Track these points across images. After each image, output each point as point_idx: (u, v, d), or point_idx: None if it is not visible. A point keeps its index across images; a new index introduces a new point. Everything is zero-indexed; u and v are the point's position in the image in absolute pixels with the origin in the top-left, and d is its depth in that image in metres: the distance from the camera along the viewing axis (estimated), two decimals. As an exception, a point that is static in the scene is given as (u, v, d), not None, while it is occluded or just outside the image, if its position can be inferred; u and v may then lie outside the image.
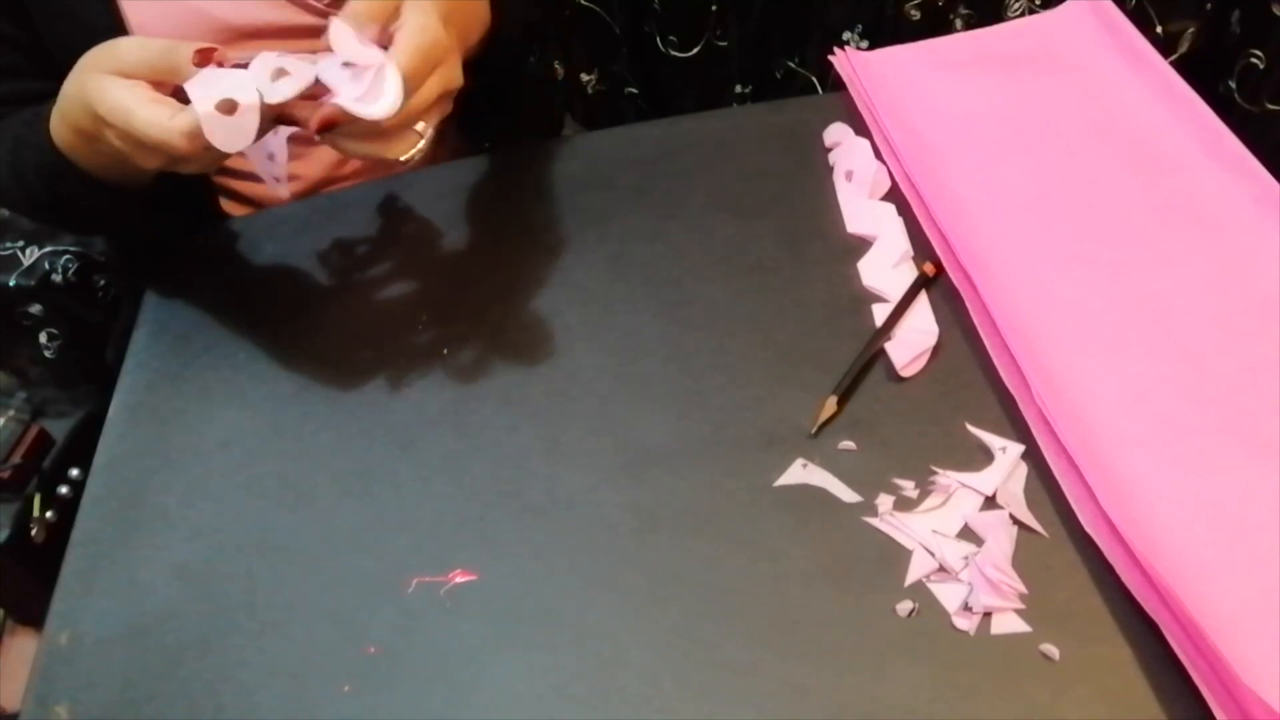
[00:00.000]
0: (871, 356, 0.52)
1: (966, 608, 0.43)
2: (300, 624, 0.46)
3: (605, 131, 0.69)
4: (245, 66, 0.48)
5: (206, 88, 0.47)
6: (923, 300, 0.55)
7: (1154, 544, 0.42)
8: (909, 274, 0.56)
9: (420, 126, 0.51)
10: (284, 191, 0.60)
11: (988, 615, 0.42)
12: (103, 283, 0.85)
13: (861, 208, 0.60)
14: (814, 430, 0.49)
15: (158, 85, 0.49)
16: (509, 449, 0.52)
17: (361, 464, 0.52)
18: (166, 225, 0.70)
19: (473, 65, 0.59)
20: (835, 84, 0.68)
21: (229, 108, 0.47)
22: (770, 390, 0.52)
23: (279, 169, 0.59)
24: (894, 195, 0.60)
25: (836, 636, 0.43)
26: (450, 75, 0.51)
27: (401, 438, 0.53)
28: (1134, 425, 0.47)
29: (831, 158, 0.63)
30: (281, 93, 0.48)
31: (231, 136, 0.47)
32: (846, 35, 0.89)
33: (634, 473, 0.49)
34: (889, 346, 0.52)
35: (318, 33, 0.68)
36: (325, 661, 0.45)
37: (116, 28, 0.61)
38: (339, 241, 0.64)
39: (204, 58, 0.47)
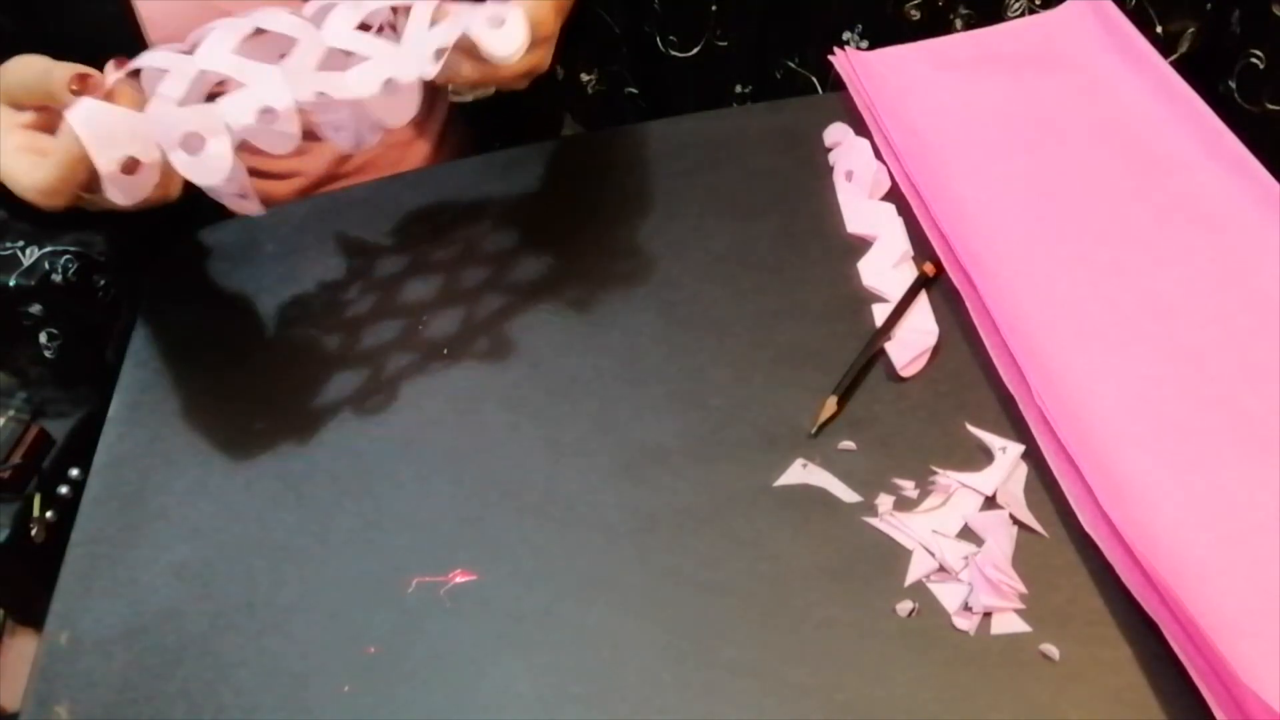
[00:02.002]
0: (871, 356, 0.52)
1: (966, 608, 0.43)
2: (300, 624, 0.46)
3: (605, 131, 0.69)
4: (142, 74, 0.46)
5: (92, 124, 0.44)
6: (923, 300, 0.55)
7: (1154, 544, 0.42)
8: (909, 274, 0.56)
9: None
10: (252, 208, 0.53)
11: (988, 615, 0.42)
12: (103, 283, 0.85)
13: (861, 208, 0.60)
14: (814, 430, 0.49)
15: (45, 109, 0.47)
16: (509, 449, 0.52)
17: (361, 464, 0.52)
18: (165, 220, 0.70)
19: None
20: (835, 84, 0.68)
21: (131, 166, 0.45)
22: (770, 390, 0.52)
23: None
24: (894, 195, 0.60)
25: (836, 636, 0.43)
26: (542, 59, 0.52)
27: (401, 438, 0.53)
28: (1134, 425, 0.47)
29: (831, 158, 0.63)
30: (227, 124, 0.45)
31: (128, 192, 0.46)
32: (846, 35, 0.89)
33: (634, 473, 0.49)
34: (889, 346, 0.52)
35: None
36: (325, 661, 0.45)
37: (126, 22, 0.61)
38: (339, 241, 0.64)
39: (81, 84, 0.45)
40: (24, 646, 0.88)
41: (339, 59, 0.48)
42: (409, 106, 0.50)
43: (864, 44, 0.87)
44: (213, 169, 0.46)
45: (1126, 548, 0.42)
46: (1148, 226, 0.56)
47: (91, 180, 0.46)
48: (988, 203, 0.58)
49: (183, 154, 0.46)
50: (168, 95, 0.45)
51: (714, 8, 0.90)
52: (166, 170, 0.46)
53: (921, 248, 0.57)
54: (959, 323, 0.53)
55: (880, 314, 0.54)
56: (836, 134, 0.64)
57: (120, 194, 0.46)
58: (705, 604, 0.45)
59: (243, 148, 0.71)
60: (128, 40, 0.61)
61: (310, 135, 0.73)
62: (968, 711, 0.40)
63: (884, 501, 0.47)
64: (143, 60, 0.47)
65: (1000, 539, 0.44)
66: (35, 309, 0.81)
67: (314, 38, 0.48)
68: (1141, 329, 0.51)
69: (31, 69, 0.46)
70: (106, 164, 0.44)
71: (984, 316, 0.52)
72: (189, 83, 0.46)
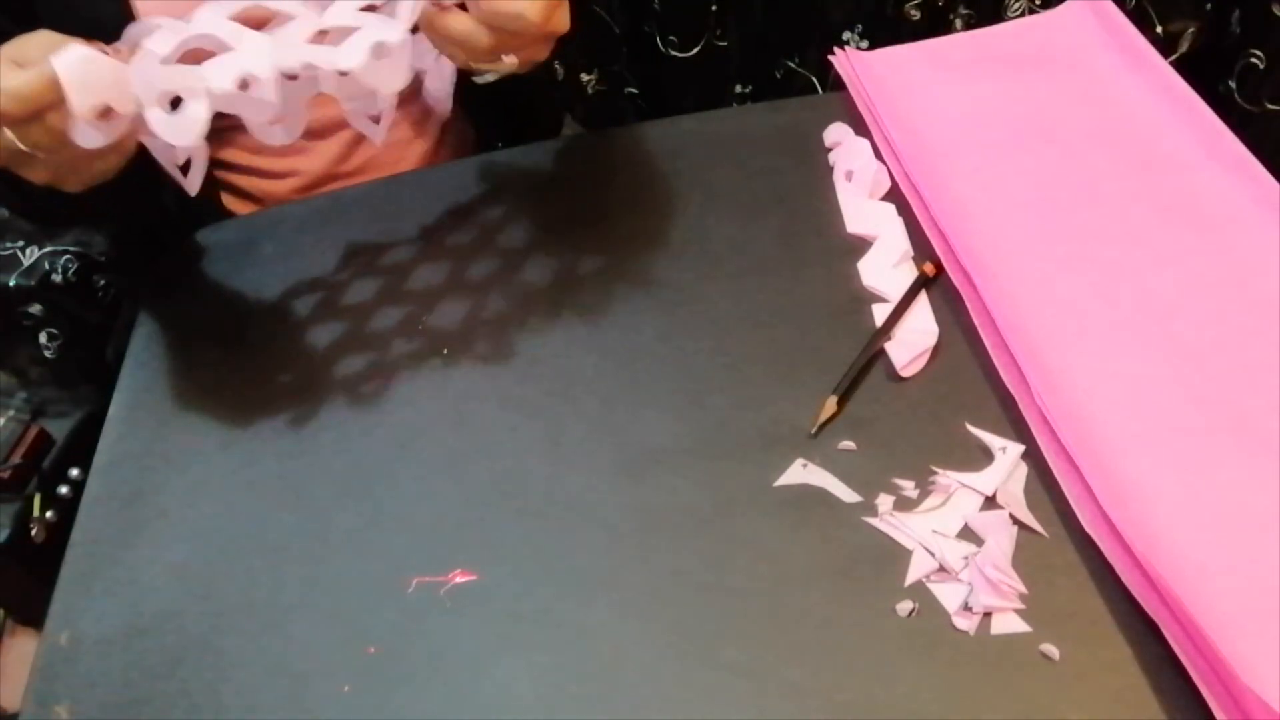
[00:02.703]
0: (871, 356, 0.52)
1: (966, 608, 0.43)
2: (300, 624, 0.46)
3: (605, 131, 0.69)
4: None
5: (76, 68, 0.44)
6: (923, 300, 0.55)
7: (1154, 544, 0.42)
8: (909, 274, 0.56)
9: (508, 59, 0.51)
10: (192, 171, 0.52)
11: (988, 615, 0.42)
12: (103, 283, 0.85)
13: (861, 208, 0.60)
14: (814, 430, 0.49)
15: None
16: (509, 449, 0.52)
17: (361, 464, 0.52)
18: (165, 219, 0.70)
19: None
20: (835, 84, 0.68)
21: (106, 114, 0.45)
22: (770, 390, 0.52)
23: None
24: (894, 195, 0.60)
25: (836, 636, 0.43)
26: (561, 17, 0.50)
27: (401, 438, 0.53)
28: (1134, 425, 0.47)
29: (831, 158, 0.63)
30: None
31: (94, 138, 0.45)
32: (846, 35, 0.89)
33: (634, 473, 0.49)
34: (889, 346, 0.52)
35: None
36: (325, 661, 0.45)
37: (124, 21, 0.61)
38: (339, 241, 0.64)
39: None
40: (24, 646, 0.88)
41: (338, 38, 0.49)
42: (400, 71, 0.49)
43: (864, 44, 0.87)
44: (185, 130, 0.46)
45: (1126, 548, 0.42)
46: (1148, 226, 0.56)
47: (56, 112, 0.45)
48: (988, 203, 0.58)
49: (159, 111, 0.46)
50: (154, 51, 0.45)
51: (714, 8, 0.90)
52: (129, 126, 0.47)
53: (921, 248, 0.57)
54: (959, 323, 0.53)
55: (880, 314, 0.54)
56: (836, 134, 0.64)
57: (85, 139, 0.45)
58: (705, 604, 0.45)
59: (243, 146, 0.71)
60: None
61: (310, 134, 0.73)
62: (968, 711, 0.40)
63: (884, 501, 0.47)
64: (139, 25, 0.47)
65: (1000, 539, 0.44)
66: (35, 309, 0.82)
67: (309, 15, 0.48)
68: (1141, 329, 0.51)
69: (52, 40, 0.47)
70: (81, 108, 0.44)
71: (984, 316, 0.52)
72: (178, 42, 0.46)
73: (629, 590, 0.45)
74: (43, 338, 0.82)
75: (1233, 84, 0.85)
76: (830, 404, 0.50)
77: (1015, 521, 0.45)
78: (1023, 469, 0.47)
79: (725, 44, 0.93)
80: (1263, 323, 0.50)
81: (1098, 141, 0.61)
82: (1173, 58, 0.86)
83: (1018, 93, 0.65)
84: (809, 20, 0.90)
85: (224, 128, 0.71)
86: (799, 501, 0.47)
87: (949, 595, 0.43)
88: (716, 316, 0.56)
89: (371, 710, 0.43)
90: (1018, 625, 0.42)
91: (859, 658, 0.42)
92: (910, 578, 0.44)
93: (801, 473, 0.48)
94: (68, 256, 0.83)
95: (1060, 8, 0.70)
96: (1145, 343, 0.50)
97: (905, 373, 0.51)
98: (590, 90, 1.04)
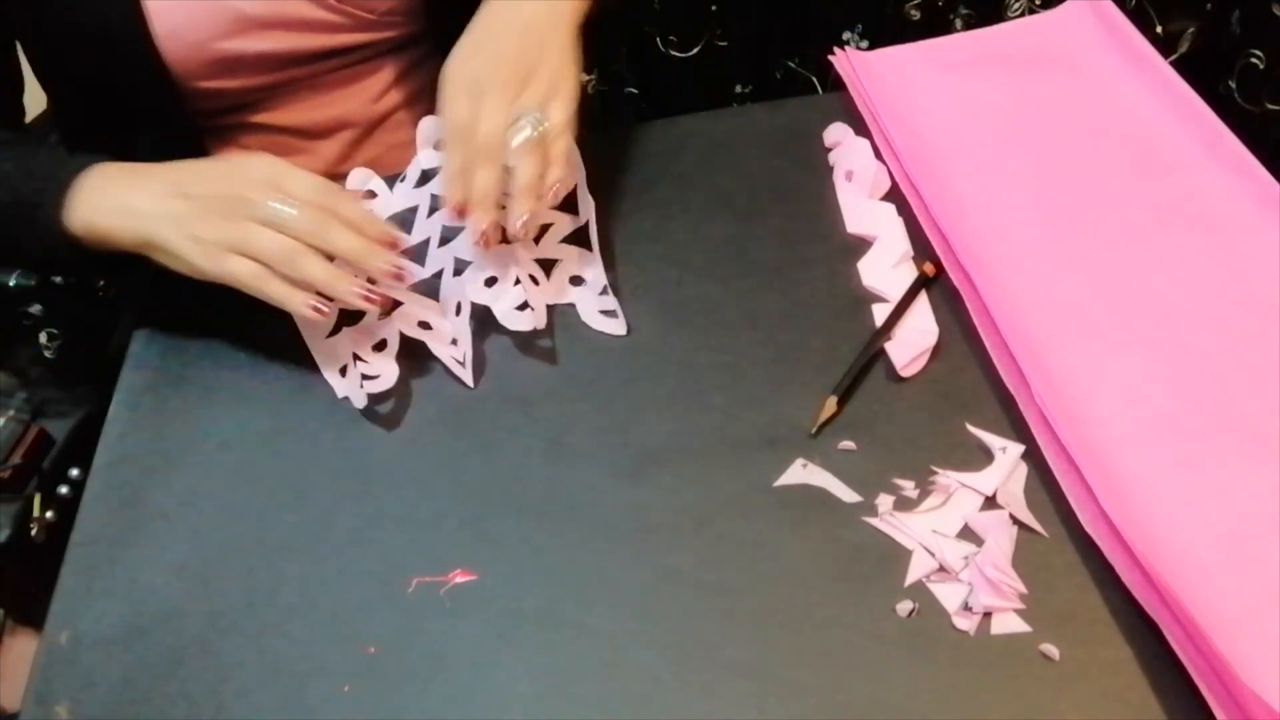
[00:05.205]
0: (871, 356, 0.52)
1: (966, 608, 0.43)
2: (300, 624, 0.46)
3: (605, 131, 0.69)
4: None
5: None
6: (923, 300, 0.55)
7: (1154, 544, 0.42)
8: (909, 274, 0.56)
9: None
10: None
11: (988, 615, 0.42)
12: (103, 283, 0.85)
13: (861, 208, 0.60)
14: (814, 430, 0.49)
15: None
16: (509, 449, 0.52)
17: (361, 464, 0.52)
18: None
19: None
20: (835, 84, 0.68)
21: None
22: (770, 390, 0.52)
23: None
24: (894, 195, 0.60)
25: (836, 636, 0.43)
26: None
27: (401, 438, 0.53)
28: (1134, 425, 0.47)
29: (831, 158, 0.63)
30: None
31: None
32: (846, 35, 0.89)
33: (634, 473, 0.49)
34: (889, 346, 0.52)
35: (331, 28, 0.67)
36: (325, 661, 0.45)
37: (132, 12, 0.61)
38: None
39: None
40: (24, 646, 0.88)
41: None
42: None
43: (864, 44, 0.87)
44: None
45: (1126, 548, 0.42)
46: (1148, 226, 0.56)
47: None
48: (988, 203, 0.58)
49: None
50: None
51: (714, 8, 0.90)
52: None
53: (921, 248, 0.57)
54: (959, 323, 0.53)
55: (880, 314, 0.54)
56: (836, 134, 0.64)
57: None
58: (705, 604, 0.45)
59: (244, 145, 0.70)
60: (133, 35, 0.61)
61: (311, 134, 0.73)
62: (968, 711, 0.40)
63: (884, 501, 0.47)
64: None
65: (1000, 539, 0.44)
66: (35, 309, 0.81)
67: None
68: (1141, 329, 0.51)
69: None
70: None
71: (984, 316, 0.52)
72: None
73: (629, 590, 0.45)
74: (43, 338, 0.81)
75: (1233, 84, 0.85)
76: (830, 404, 0.50)
77: (1015, 521, 0.45)
78: (1023, 469, 0.47)
79: (725, 44, 0.93)
80: (1263, 323, 0.50)
81: (1098, 141, 0.61)
82: (1173, 58, 0.86)
83: (1018, 93, 0.65)
84: (809, 20, 0.90)
85: (225, 125, 0.71)
86: (799, 501, 0.47)
87: (949, 595, 0.43)
88: (716, 316, 0.56)
89: (371, 710, 0.43)
90: (1018, 625, 0.42)
91: (859, 658, 0.42)
92: (910, 578, 0.44)
93: (801, 473, 0.48)
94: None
95: (1060, 8, 0.70)
96: (1145, 342, 0.50)
97: (905, 373, 0.51)
98: (590, 90, 1.04)
